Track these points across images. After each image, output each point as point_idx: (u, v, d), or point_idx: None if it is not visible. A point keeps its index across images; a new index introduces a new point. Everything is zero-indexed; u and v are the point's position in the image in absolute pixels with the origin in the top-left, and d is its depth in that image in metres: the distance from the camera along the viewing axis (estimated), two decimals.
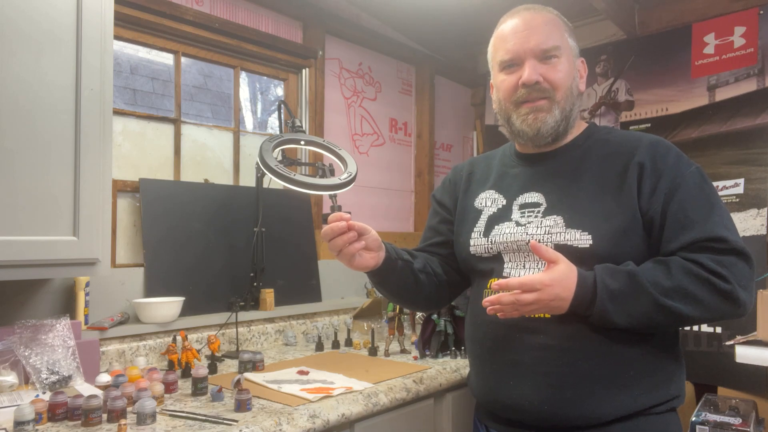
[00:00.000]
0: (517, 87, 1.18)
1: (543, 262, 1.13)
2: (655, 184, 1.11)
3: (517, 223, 1.19)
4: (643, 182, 1.12)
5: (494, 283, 1.07)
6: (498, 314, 1.07)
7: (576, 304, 1.05)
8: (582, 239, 1.10)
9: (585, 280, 1.05)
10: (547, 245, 1.12)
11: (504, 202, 1.25)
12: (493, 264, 1.22)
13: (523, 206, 1.21)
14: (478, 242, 1.24)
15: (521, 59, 1.17)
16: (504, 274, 1.19)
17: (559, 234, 1.13)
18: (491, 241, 1.22)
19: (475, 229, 1.26)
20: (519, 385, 1.14)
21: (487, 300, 1.06)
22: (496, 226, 1.22)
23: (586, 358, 1.10)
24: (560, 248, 1.11)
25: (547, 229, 1.14)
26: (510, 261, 1.20)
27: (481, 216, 1.27)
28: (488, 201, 1.28)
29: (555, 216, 1.15)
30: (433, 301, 1.41)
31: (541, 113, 1.18)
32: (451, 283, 1.38)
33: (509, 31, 1.20)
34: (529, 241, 1.15)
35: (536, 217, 1.18)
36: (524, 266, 1.18)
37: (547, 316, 1.11)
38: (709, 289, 1.03)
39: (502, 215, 1.24)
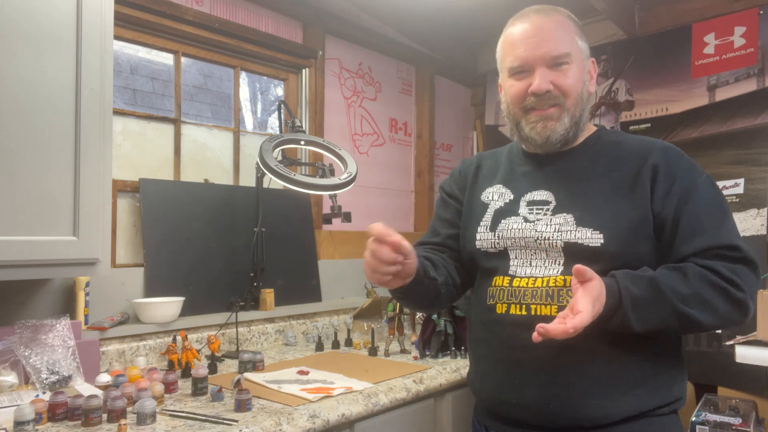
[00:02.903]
0: (526, 94, 1.17)
1: (549, 258, 1.14)
2: (669, 187, 1.11)
3: (525, 219, 1.19)
4: (657, 184, 1.12)
5: (539, 329, 0.94)
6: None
7: (601, 315, 1.01)
8: (593, 238, 1.10)
9: (611, 290, 1.02)
10: (556, 243, 1.12)
11: (511, 197, 1.24)
12: (498, 261, 1.21)
13: (531, 203, 1.20)
14: (484, 236, 1.23)
15: (531, 66, 1.16)
16: (510, 272, 1.18)
17: (569, 232, 1.12)
18: (498, 236, 1.21)
19: (481, 223, 1.25)
20: (524, 385, 1.14)
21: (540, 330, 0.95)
22: (502, 220, 1.21)
23: (591, 359, 1.10)
24: (570, 246, 1.11)
25: (557, 226, 1.14)
26: (516, 258, 1.19)
27: (488, 210, 1.26)
28: (495, 195, 1.27)
29: (565, 214, 1.15)
30: (444, 305, 1.43)
31: (551, 122, 1.17)
32: (463, 284, 1.37)
33: (519, 36, 1.18)
34: (536, 238, 1.15)
35: (545, 214, 1.17)
36: (531, 264, 1.17)
37: (553, 314, 1.10)
38: (724, 296, 1.04)
39: (509, 209, 1.23)
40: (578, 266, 0.97)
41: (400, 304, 1.32)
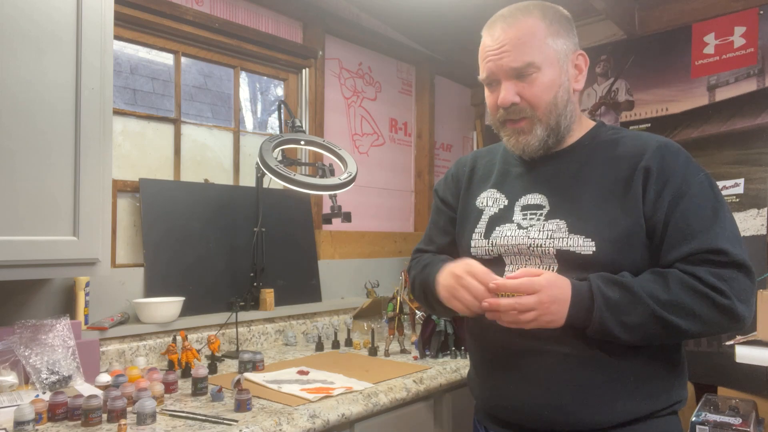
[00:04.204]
0: (497, 107, 1.17)
1: (543, 264, 1.13)
2: (660, 190, 1.08)
3: (519, 226, 1.18)
4: (649, 188, 1.09)
5: (491, 284, 1.05)
6: (498, 321, 1.07)
7: (573, 313, 1.03)
8: (585, 246, 1.08)
9: (580, 288, 1.04)
10: (549, 250, 1.11)
11: (506, 203, 1.23)
12: (493, 267, 1.20)
13: (525, 208, 1.19)
14: (479, 244, 1.23)
15: (497, 78, 1.16)
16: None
17: (561, 239, 1.11)
18: (492, 243, 1.20)
19: (476, 230, 1.24)
20: (519, 389, 1.14)
21: (486, 302, 1.05)
22: (497, 228, 1.21)
23: (587, 364, 1.09)
24: (562, 254, 1.10)
25: (550, 233, 1.12)
26: (511, 263, 1.18)
27: (482, 216, 1.25)
28: (489, 200, 1.26)
29: (558, 220, 1.13)
30: None
31: (523, 136, 1.16)
32: None
33: (487, 46, 1.17)
34: (529, 245, 1.13)
35: (538, 220, 1.16)
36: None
37: None
38: (707, 303, 1.01)
39: (503, 216, 1.22)
40: (497, 283, 1.06)
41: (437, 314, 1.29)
